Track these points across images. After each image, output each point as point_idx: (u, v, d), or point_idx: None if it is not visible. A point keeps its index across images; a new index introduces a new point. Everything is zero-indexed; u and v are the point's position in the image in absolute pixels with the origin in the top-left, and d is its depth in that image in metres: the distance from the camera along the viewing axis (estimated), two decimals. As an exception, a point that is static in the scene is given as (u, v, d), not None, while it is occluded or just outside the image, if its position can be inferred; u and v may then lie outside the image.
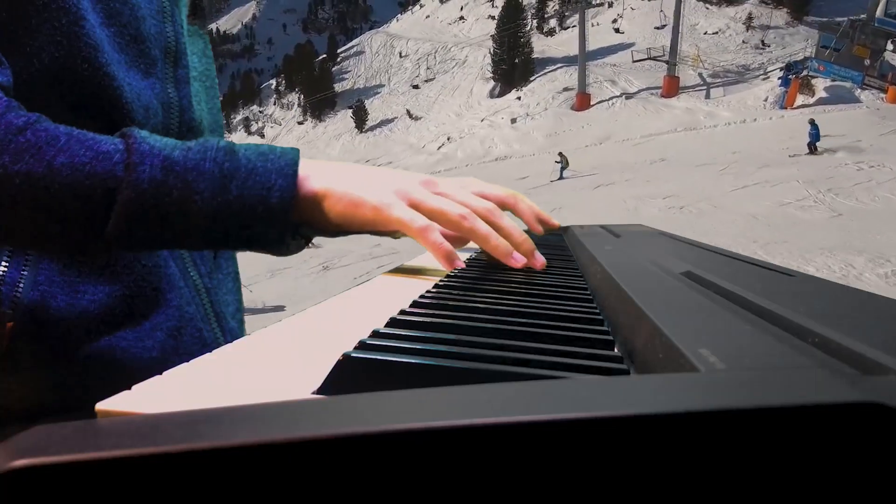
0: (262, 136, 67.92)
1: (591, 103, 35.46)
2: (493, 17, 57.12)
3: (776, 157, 14.90)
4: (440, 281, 0.47)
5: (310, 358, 0.26)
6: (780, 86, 28.03)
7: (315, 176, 0.47)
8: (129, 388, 0.22)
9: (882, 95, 24.93)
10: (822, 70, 26.45)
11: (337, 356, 0.23)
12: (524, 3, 52.12)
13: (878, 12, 26.00)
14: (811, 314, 0.24)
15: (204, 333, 0.59)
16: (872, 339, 0.19)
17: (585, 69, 36.40)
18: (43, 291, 0.49)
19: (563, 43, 48.27)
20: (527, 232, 0.54)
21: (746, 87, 31.48)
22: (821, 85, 27.02)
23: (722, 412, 0.11)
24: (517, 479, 0.11)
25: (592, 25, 45.05)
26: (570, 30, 50.74)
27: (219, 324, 0.61)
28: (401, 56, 65.05)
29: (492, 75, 47.68)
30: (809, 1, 41.23)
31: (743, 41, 39.32)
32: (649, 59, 37.00)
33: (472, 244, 0.59)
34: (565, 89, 37.78)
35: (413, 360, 0.23)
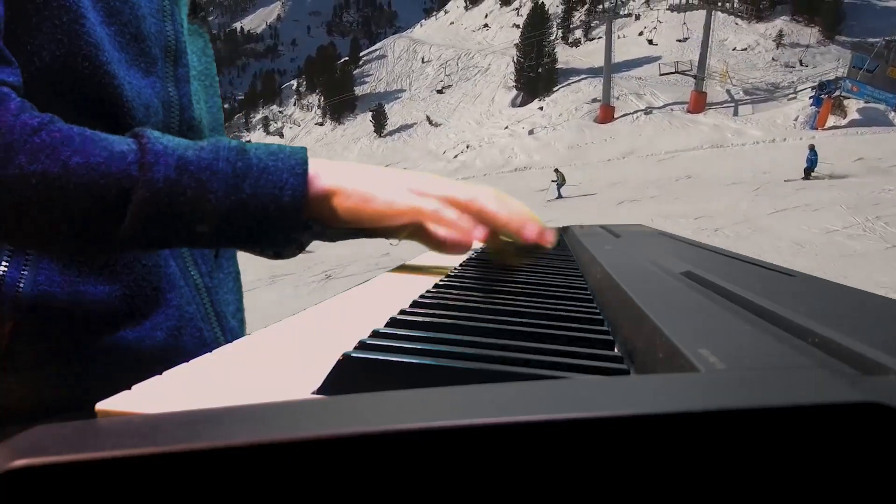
0: (281, 135, 67.56)
1: (615, 116, 34.60)
2: (517, 26, 56.39)
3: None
4: (440, 281, 0.47)
5: (310, 358, 0.26)
6: (811, 105, 27.48)
7: (325, 174, 0.48)
8: (129, 388, 0.22)
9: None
10: (856, 91, 25.76)
11: (337, 356, 0.23)
12: (549, 12, 51.42)
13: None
14: (811, 314, 0.24)
15: (204, 333, 0.59)
16: (872, 339, 0.19)
17: (610, 81, 35.52)
18: (43, 291, 0.49)
19: (588, 54, 47.34)
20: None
21: (776, 106, 30.90)
22: (853, 106, 26.37)
23: (722, 412, 0.11)
24: (518, 478, 0.11)
25: (619, 37, 43.58)
26: (595, 41, 49.87)
27: (219, 323, 0.61)
28: (423, 61, 64.81)
29: (514, 84, 46.97)
30: (842, 20, 39.83)
31: (773, 59, 38.30)
32: (676, 72, 36.16)
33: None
34: (594, 100, 36.88)
35: (413, 361, 0.23)
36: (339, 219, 0.48)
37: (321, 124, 63.87)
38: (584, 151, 30.19)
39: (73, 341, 0.51)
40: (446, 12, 79.59)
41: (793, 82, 33.89)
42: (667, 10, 42.08)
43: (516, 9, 66.47)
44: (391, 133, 51.23)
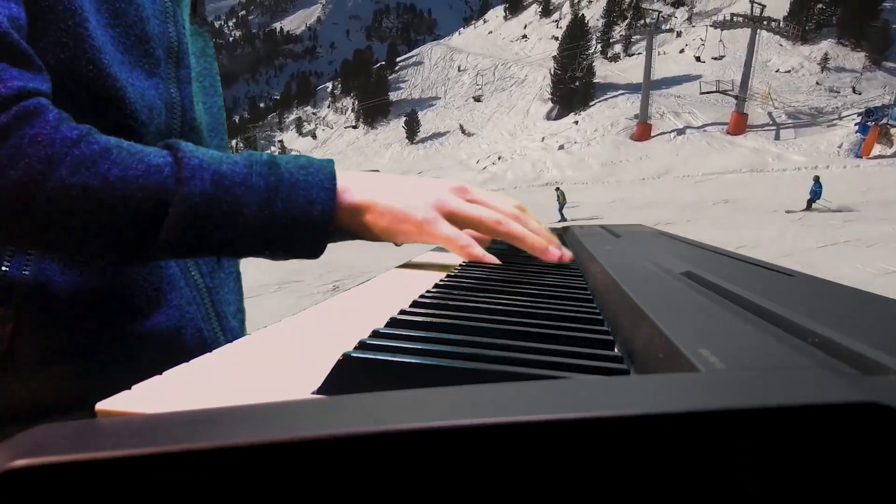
0: (314, 136, 67.56)
1: (652, 134, 33.57)
2: (556, 38, 55.72)
3: (860, 210, 13.03)
4: (440, 281, 0.47)
5: (310, 358, 0.26)
6: (857, 132, 26.04)
7: (355, 188, 0.50)
8: (129, 388, 0.22)
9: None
10: (905, 119, 24.33)
11: (337, 356, 0.23)
12: (589, 25, 50.53)
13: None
14: (811, 314, 0.24)
15: (205, 333, 0.59)
16: (872, 339, 0.19)
17: (649, 98, 34.57)
18: (44, 291, 0.49)
19: (627, 70, 46.42)
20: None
21: (819, 131, 29.41)
22: (902, 135, 25.67)
23: (722, 412, 0.11)
24: (518, 478, 0.11)
25: (659, 53, 42.50)
26: (634, 57, 49.10)
27: (219, 324, 0.61)
28: (459, 70, 64.54)
29: (550, 97, 46.26)
30: (889, 45, 37.75)
31: (817, 82, 36.71)
32: (717, 92, 34.89)
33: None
34: (635, 116, 35.82)
35: (413, 360, 0.23)
36: (371, 235, 0.51)
37: (354, 127, 63.86)
38: (618, 169, 29.21)
39: (73, 341, 0.51)
40: (485, 21, 79.67)
41: (837, 108, 32.30)
42: (710, 26, 40.44)
43: (556, 21, 66.00)
44: (423, 140, 50.94)
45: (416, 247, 0.50)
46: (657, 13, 45.58)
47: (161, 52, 0.57)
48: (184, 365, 0.25)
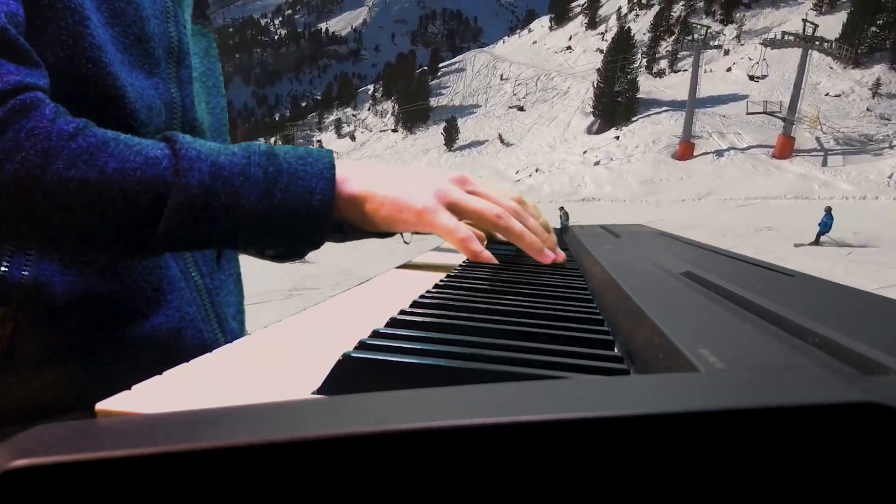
0: (353, 138, 67.37)
1: (695, 154, 32.18)
2: (601, 51, 54.70)
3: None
4: (440, 281, 0.47)
5: (310, 358, 0.26)
6: None
7: (354, 178, 0.49)
8: (129, 388, 0.22)
9: None
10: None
11: (337, 356, 0.23)
12: (635, 39, 49.51)
13: None
14: (811, 314, 0.24)
15: (205, 334, 0.59)
16: (872, 339, 0.19)
17: (693, 116, 33.12)
18: (44, 291, 0.49)
19: (672, 86, 45.27)
20: None
21: (868, 160, 27.93)
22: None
23: (722, 412, 0.11)
24: (518, 478, 0.11)
25: (705, 71, 41.25)
26: (680, 73, 47.80)
27: (219, 325, 0.61)
28: (502, 78, 64.00)
29: (592, 110, 45.10)
30: None
31: (867, 108, 34.98)
32: (765, 113, 33.56)
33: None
34: (675, 137, 34.31)
35: (413, 361, 0.23)
36: (371, 224, 0.50)
37: (394, 131, 63.61)
38: (657, 188, 28.09)
39: (73, 342, 0.51)
40: (530, 31, 79.16)
41: (888, 136, 30.92)
42: (760, 44, 38.76)
43: (601, 33, 65.12)
44: (461, 148, 50.53)
45: (420, 247, 0.49)
46: (706, 28, 44.18)
47: (161, 52, 0.57)
48: (184, 365, 0.25)
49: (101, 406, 0.20)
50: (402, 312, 0.33)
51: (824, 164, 28.93)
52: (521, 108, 54.00)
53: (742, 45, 49.22)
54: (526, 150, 44.00)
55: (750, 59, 43.18)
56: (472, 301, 0.37)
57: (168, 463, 0.11)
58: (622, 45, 46.49)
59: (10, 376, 0.49)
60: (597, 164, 34.34)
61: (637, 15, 64.47)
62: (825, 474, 0.11)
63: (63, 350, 0.50)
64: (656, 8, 58.77)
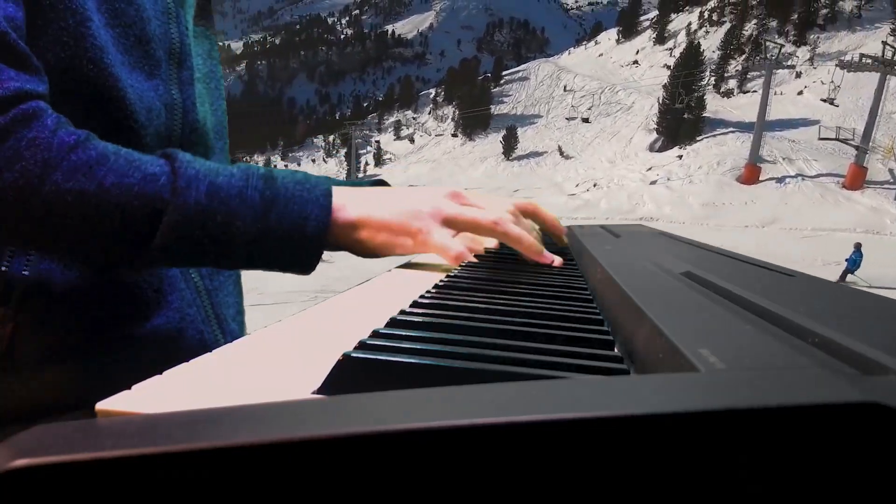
0: (412, 141, 67.13)
1: (760, 178, 30.58)
2: (668, 67, 52.59)
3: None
4: (440, 281, 0.47)
5: (310, 358, 0.26)
6: None
7: (351, 205, 0.50)
8: (129, 388, 0.22)
9: None
10: None
11: (337, 356, 0.23)
12: (704, 56, 47.68)
13: None
14: (811, 314, 0.24)
15: (205, 335, 0.59)
16: (872, 339, 0.19)
17: (761, 138, 31.42)
18: (44, 292, 0.49)
19: (739, 107, 43.24)
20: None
21: None
22: None
23: (722, 412, 0.11)
24: (518, 479, 0.11)
25: (775, 93, 38.09)
26: (749, 94, 45.83)
27: (219, 326, 0.61)
28: (565, 90, 63.07)
29: (656, 127, 43.59)
30: None
31: None
32: (837, 139, 31.91)
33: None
34: (750, 160, 31.87)
35: (413, 360, 0.23)
36: (368, 250, 0.51)
37: (454, 136, 63.23)
38: (720, 212, 26.74)
39: (73, 342, 0.51)
40: (597, 43, 78.06)
41: None
42: (836, 66, 36.43)
43: (670, 49, 63.49)
44: (519, 158, 49.72)
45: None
46: (779, 46, 42.24)
47: (162, 54, 0.57)
48: (184, 365, 0.25)
49: (101, 406, 0.20)
50: (402, 312, 0.33)
51: (898, 198, 27.71)
52: (586, 120, 52.70)
53: (815, 68, 47.42)
54: (585, 164, 42.78)
55: (822, 83, 41.39)
56: (472, 301, 0.37)
57: (168, 463, 0.11)
58: (691, 62, 44.80)
59: (10, 376, 0.49)
60: (653, 183, 32.82)
61: (707, 32, 62.37)
62: (825, 474, 0.11)
63: (63, 350, 0.50)
64: (727, 25, 56.81)
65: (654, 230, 0.84)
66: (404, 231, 0.50)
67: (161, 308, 0.55)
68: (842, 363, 0.18)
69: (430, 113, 76.29)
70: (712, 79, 50.52)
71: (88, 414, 0.18)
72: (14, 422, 0.49)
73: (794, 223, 23.94)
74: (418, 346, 0.25)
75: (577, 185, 36.79)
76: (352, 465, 0.11)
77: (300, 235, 0.47)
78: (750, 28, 55.12)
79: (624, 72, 65.20)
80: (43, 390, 0.50)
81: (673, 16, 71.09)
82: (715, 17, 62.93)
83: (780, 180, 30.20)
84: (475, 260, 0.55)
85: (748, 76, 49.93)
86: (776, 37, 50.75)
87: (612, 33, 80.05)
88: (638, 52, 68.95)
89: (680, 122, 41.21)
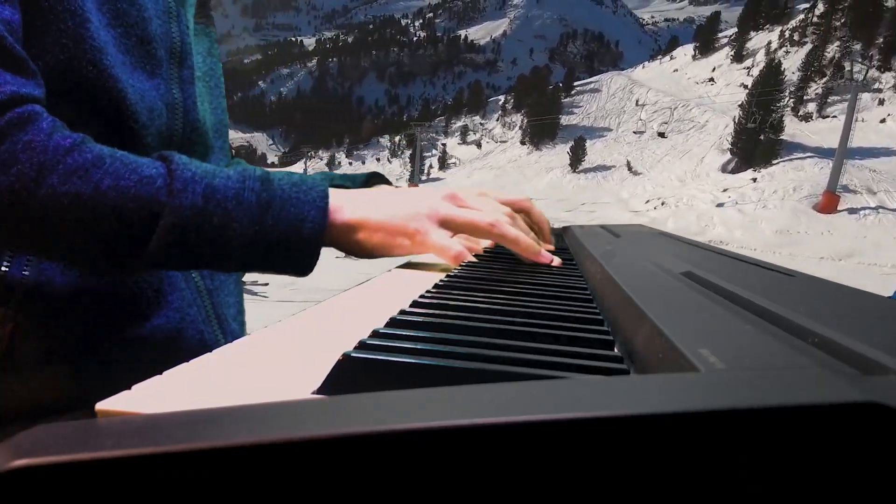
0: (479, 146, 66.35)
1: (839, 208, 28.15)
2: (745, 86, 50.47)
3: None
4: (440, 281, 0.47)
5: (310, 358, 0.26)
6: None
7: (348, 207, 0.50)
8: (129, 388, 0.22)
9: None
10: None
11: (337, 356, 0.23)
12: (784, 77, 45.17)
13: None
14: (811, 314, 0.24)
15: (205, 335, 0.59)
16: (872, 339, 0.19)
17: (842, 166, 28.82)
18: (44, 292, 0.49)
19: (818, 132, 40.28)
20: None
21: None
22: None
23: (722, 412, 0.11)
24: (518, 478, 0.11)
25: (857, 120, 34.78)
26: (829, 119, 42.75)
27: (220, 326, 0.61)
28: (637, 104, 61.77)
29: (730, 147, 41.35)
30: None
31: None
32: None
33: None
34: (829, 187, 29.16)
35: (413, 360, 0.23)
36: (366, 251, 0.51)
37: (522, 143, 62.42)
38: (794, 240, 25.07)
39: (73, 342, 0.51)
40: (672, 58, 76.52)
41: None
42: None
43: (748, 68, 61.29)
44: (586, 171, 48.64)
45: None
46: (865, 68, 40.37)
47: (163, 53, 0.57)
48: (184, 365, 0.25)
49: (101, 406, 0.20)
50: (402, 312, 0.33)
51: None
52: (662, 135, 51.28)
53: (905, 92, 44.99)
54: (654, 182, 41.08)
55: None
56: (472, 301, 0.37)
57: (168, 463, 0.11)
58: (770, 81, 42.62)
59: (10, 376, 0.49)
60: (720, 206, 31.10)
61: (787, 52, 59.49)
62: (825, 474, 0.11)
63: (63, 350, 0.50)
64: (808, 46, 54.10)
65: (655, 230, 0.84)
66: (402, 232, 0.50)
67: (161, 308, 0.55)
68: (842, 363, 0.18)
69: (497, 119, 75.67)
70: (791, 101, 47.86)
71: (88, 414, 0.18)
72: (14, 422, 0.49)
73: (874, 258, 22.05)
74: (418, 346, 0.25)
75: (646, 202, 35.00)
76: (352, 465, 0.11)
77: (297, 237, 0.47)
78: (832, 50, 52.47)
79: (699, 89, 63.10)
80: (43, 390, 0.50)
81: (752, 34, 68.91)
82: (796, 37, 60.21)
83: (857, 211, 28.43)
84: (474, 259, 0.55)
85: (828, 100, 47.24)
86: (859, 61, 48.53)
87: (688, 49, 78.23)
88: (714, 69, 66.70)
89: (755, 143, 38.96)
